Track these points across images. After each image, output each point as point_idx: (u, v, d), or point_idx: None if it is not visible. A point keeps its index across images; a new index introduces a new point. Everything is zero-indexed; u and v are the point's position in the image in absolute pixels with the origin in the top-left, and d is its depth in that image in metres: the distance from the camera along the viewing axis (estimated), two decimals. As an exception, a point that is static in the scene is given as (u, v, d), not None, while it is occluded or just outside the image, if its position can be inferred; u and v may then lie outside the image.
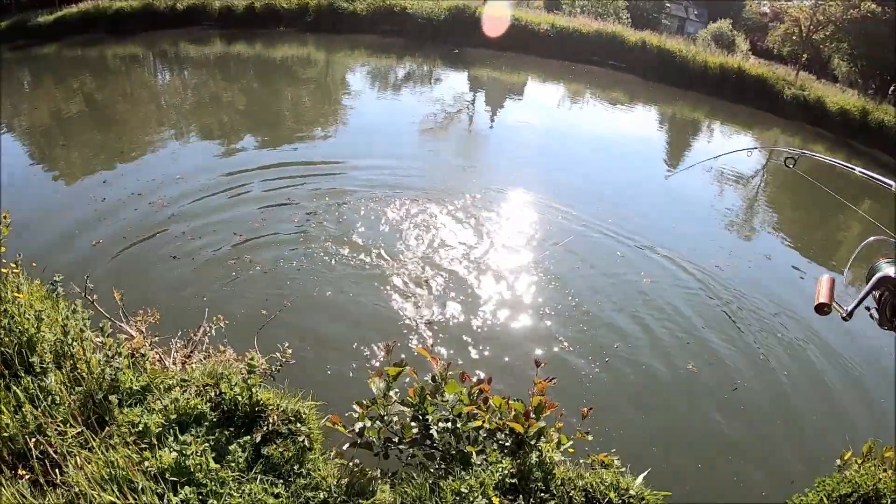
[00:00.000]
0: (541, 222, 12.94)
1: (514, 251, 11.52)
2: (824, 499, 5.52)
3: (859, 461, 5.88)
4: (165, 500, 4.35)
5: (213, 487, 4.57)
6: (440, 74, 28.26)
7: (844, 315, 3.17)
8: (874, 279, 3.22)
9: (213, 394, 5.17)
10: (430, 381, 5.20)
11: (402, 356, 5.64)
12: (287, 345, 5.72)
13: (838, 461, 6.00)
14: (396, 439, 5.06)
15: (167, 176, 13.55)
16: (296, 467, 4.81)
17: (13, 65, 21.23)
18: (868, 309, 3.31)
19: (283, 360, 5.64)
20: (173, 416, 4.91)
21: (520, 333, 8.98)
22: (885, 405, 8.68)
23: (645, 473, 5.19)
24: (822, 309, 3.14)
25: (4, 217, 6.55)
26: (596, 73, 30.73)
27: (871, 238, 3.75)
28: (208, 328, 6.28)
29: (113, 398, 4.93)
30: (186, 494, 4.35)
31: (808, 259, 13.56)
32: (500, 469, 4.78)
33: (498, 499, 4.60)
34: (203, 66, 25.88)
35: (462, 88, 25.69)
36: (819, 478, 5.79)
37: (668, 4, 58.53)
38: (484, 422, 5.02)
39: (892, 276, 3.17)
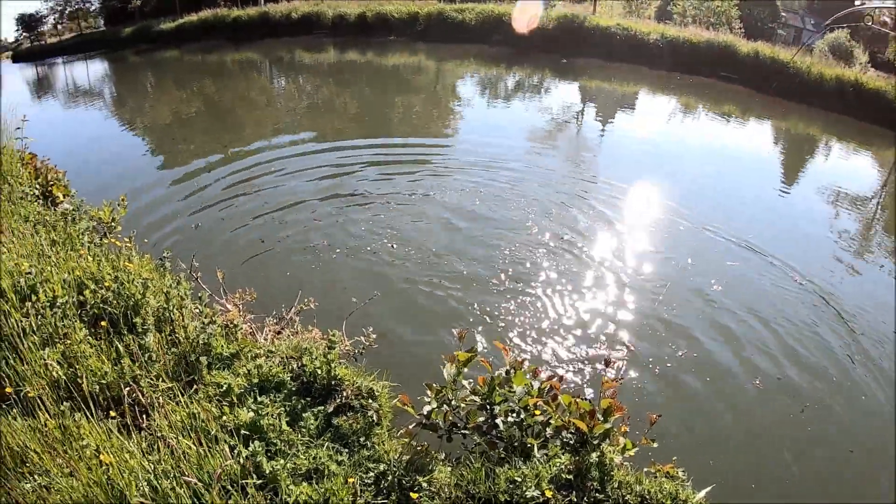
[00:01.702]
0: (655, 227, 12.27)
1: (621, 257, 10.91)
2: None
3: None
4: (237, 452, 4.31)
5: (282, 447, 4.52)
6: (550, 84, 27.01)
7: None
8: None
9: (295, 366, 5.18)
10: (501, 374, 5.04)
11: (480, 344, 5.44)
12: (371, 329, 5.66)
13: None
14: (461, 424, 4.89)
15: (277, 171, 13.83)
16: (362, 439, 4.73)
17: (137, 68, 22.14)
18: None
19: (367, 343, 5.60)
20: (255, 381, 4.93)
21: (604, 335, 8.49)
22: None
23: (708, 489, 4.83)
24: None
25: (122, 200, 6.81)
26: (707, 85, 28.38)
27: None
28: (300, 308, 6.30)
29: (203, 359, 4.97)
30: (255, 448, 4.29)
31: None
32: (557, 463, 4.57)
33: (551, 492, 4.37)
34: (317, 72, 26.04)
35: (572, 99, 24.66)
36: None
37: (784, 14, 52.96)
38: (550, 418, 4.82)
39: None
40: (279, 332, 6.00)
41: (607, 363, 5.09)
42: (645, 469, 4.92)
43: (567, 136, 19.45)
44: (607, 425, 4.74)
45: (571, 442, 4.81)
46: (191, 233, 10.41)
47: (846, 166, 19.91)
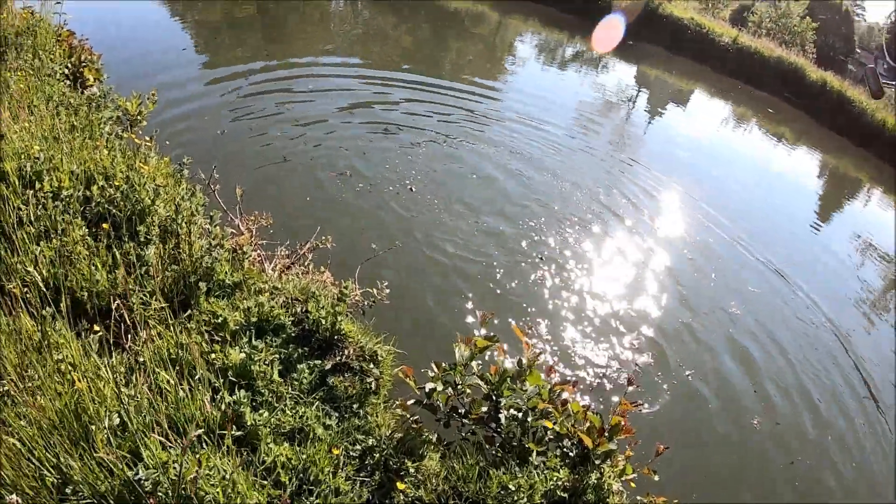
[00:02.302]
0: (682, 227, 11.87)
1: (648, 250, 10.48)
2: None
3: None
4: (220, 396, 3.88)
5: (269, 398, 4.10)
6: (609, 62, 25.63)
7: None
8: None
9: (299, 309, 4.72)
10: (514, 366, 4.58)
11: (496, 325, 4.96)
12: (385, 284, 5.17)
13: None
14: (462, 411, 4.45)
15: (316, 90, 13.06)
16: (355, 406, 4.31)
17: None
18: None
19: (378, 297, 5.11)
20: (254, 320, 4.47)
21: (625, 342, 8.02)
22: None
23: None
24: (877, 96, 3.19)
25: (153, 94, 6.26)
26: (767, 101, 26.89)
27: None
28: (315, 245, 5.80)
29: (203, 285, 4.50)
30: (240, 397, 3.86)
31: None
32: (554, 478, 4.13)
33: (544, 507, 3.96)
34: (378, 1, 24.85)
35: (628, 81, 23.62)
36: None
37: (859, 51, 50.91)
38: (555, 423, 4.36)
39: None
40: (289, 267, 5.52)
41: (630, 382, 4.58)
42: (638, 497, 4.50)
43: (614, 117, 18.74)
44: (612, 446, 4.30)
45: (571, 454, 4.37)
46: (216, 138, 9.79)
47: (884, 218, 19.09)
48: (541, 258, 8.85)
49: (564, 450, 4.40)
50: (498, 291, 7.94)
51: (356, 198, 9.04)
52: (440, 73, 16.86)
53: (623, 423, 4.38)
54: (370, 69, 15.71)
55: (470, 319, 7.19)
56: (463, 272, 8.05)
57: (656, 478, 4.44)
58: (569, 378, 4.64)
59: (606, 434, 4.33)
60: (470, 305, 7.40)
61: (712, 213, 12.64)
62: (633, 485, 4.49)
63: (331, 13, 21.95)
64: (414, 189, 9.62)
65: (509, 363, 4.69)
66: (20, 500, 2.95)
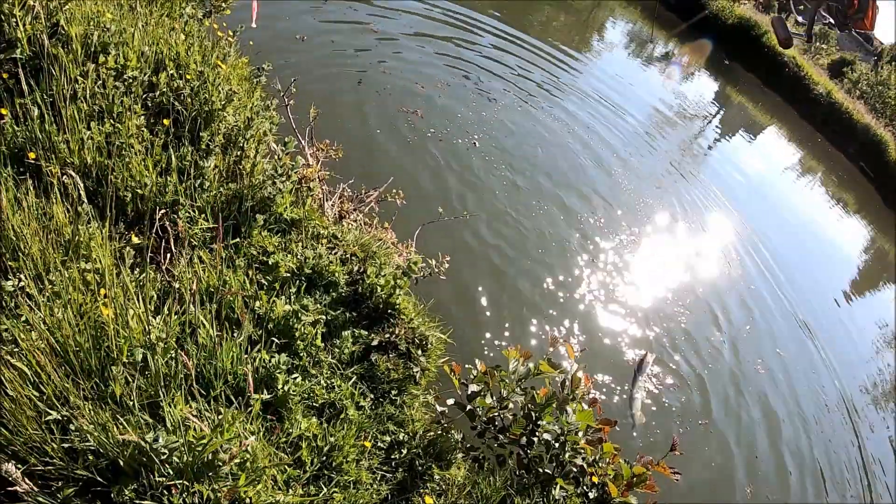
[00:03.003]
0: (728, 252, 11.47)
1: (694, 269, 10.12)
2: None
3: None
4: (256, 350, 3.35)
5: (307, 363, 3.58)
6: (697, 73, 24.25)
7: (806, 39, 3.56)
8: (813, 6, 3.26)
9: (355, 268, 4.13)
10: (560, 388, 4.06)
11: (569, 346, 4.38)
12: (448, 258, 4.58)
13: None
14: (499, 425, 3.94)
15: (400, 22, 11.84)
16: (393, 392, 3.81)
17: None
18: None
19: (437, 269, 4.53)
20: (307, 272, 3.86)
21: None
22: None
23: None
24: (786, 44, 3.37)
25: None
26: (840, 164, 25.41)
27: None
28: (383, 196, 5.17)
29: (260, 217, 3.91)
30: (279, 361, 3.33)
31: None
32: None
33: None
34: None
35: (708, 97, 22.31)
36: None
37: None
38: (585, 461, 3.86)
39: None
40: (349, 212, 4.91)
41: (673, 447, 4.09)
42: None
43: (687, 126, 17.78)
44: (633, 501, 3.83)
45: (591, 495, 3.89)
46: (295, 43, 8.91)
47: None
48: (592, 259, 8.26)
49: (585, 488, 3.93)
50: (545, 286, 7.31)
51: (426, 144, 8.29)
52: (526, 29, 15.74)
53: (649, 476, 3.91)
54: (459, 5, 14.69)
55: (520, 316, 6.57)
56: (520, 265, 7.40)
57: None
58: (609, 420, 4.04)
59: (632, 486, 3.86)
60: (524, 310, 6.72)
61: (759, 248, 12.40)
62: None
63: None
64: (478, 145, 8.94)
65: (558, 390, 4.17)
66: (17, 468, 2.45)
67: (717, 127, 19.92)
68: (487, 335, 5.61)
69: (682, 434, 6.87)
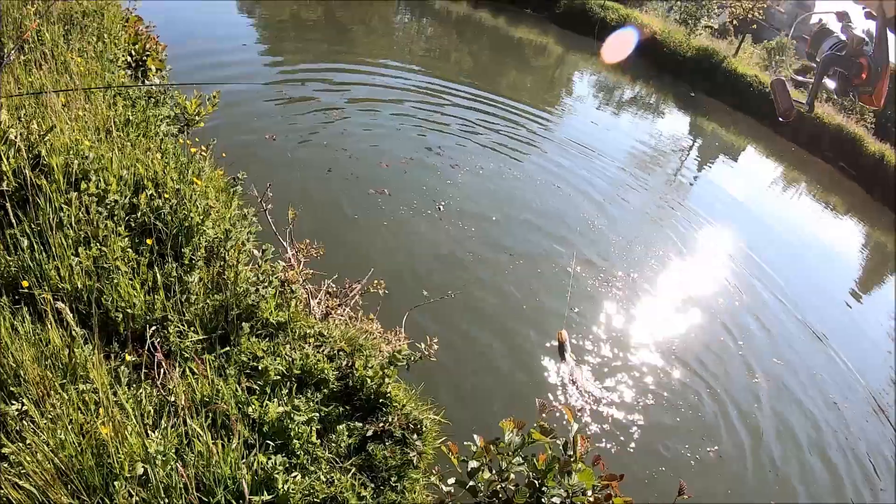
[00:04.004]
0: (728, 273, 11.98)
1: (693, 292, 10.53)
2: None
3: None
4: (252, 455, 3.53)
5: (305, 461, 3.75)
6: (666, 109, 25.42)
7: (806, 109, 3.13)
8: (822, 63, 3.02)
9: (344, 363, 4.35)
10: (561, 449, 4.22)
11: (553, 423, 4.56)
12: (436, 340, 4.80)
13: None
14: (504, 497, 4.07)
15: (371, 102, 12.84)
16: (392, 479, 3.97)
17: None
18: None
19: (427, 353, 4.73)
20: (297, 372, 4.08)
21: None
22: None
23: None
24: (787, 115, 3.04)
25: (215, 96, 5.90)
26: (820, 169, 26.07)
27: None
28: (365, 289, 5.42)
29: (246, 325, 4.15)
30: (276, 463, 3.51)
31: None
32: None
33: None
34: (443, 20, 24.50)
35: (682, 131, 23.39)
36: None
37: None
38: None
39: (833, 54, 3.01)
40: (335, 308, 5.15)
41: (681, 491, 4.21)
42: None
43: (667, 162, 18.54)
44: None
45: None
46: (270, 145, 9.48)
47: None
48: (577, 311, 8.52)
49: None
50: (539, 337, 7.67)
51: (401, 224, 8.75)
52: (499, 91, 16.87)
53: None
54: (427, 83, 15.51)
55: (515, 382, 6.86)
56: (508, 329, 7.70)
57: None
58: (614, 477, 4.18)
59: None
60: (518, 374, 7.04)
61: (757, 263, 12.84)
62: None
63: (395, 28, 21.86)
64: (442, 208, 9.47)
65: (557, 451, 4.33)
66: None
67: (696, 158, 20.74)
68: (492, 407, 5.82)
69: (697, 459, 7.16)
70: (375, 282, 5.28)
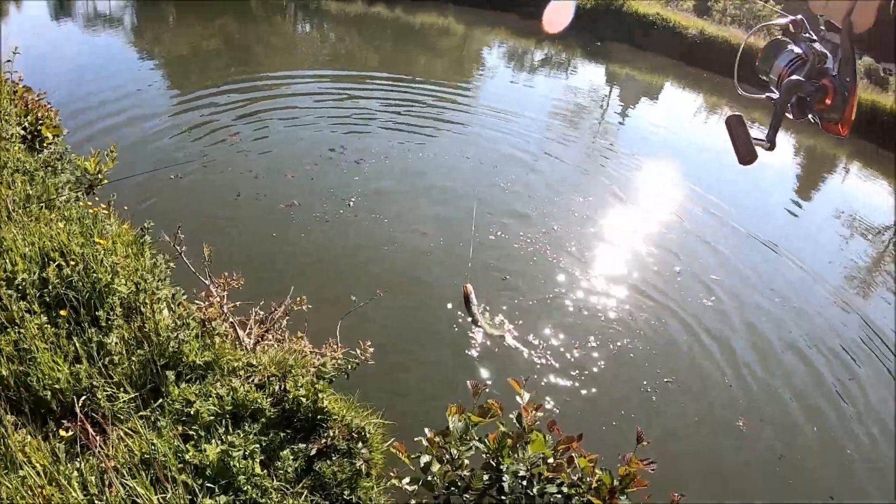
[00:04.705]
0: (673, 205, 12.57)
1: (645, 229, 11.09)
2: None
3: None
4: (199, 501, 3.63)
5: (254, 495, 3.83)
6: (578, 65, 25.77)
7: (768, 146, 2.59)
8: (784, 89, 2.55)
9: (277, 387, 4.44)
10: (513, 421, 4.30)
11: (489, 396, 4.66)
12: (369, 343, 4.88)
13: None
14: (462, 485, 4.17)
15: (284, 119, 12.88)
16: (346, 493, 4.04)
17: (160, 2, 20.78)
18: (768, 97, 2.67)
19: (363, 358, 4.81)
20: (228, 408, 4.17)
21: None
22: None
23: None
24: (748, 162, 2.52)
25: (112, 150, 5.92)
26: (734, 89, 26.71)
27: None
28: (290, 308, 5.48)
29: (171, 374, 4.22)
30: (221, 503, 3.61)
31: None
32: (572, 551, 3.89)
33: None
34: (341, 22, 24.44)
35: (598, 82, 23.68)
36: None
37: (822, 28, 51.62)
38: (563, 485, 4.09)
39: (797, 80, 2.53)
40: (264, 334, 5.22)
41: (639, 439, 4.29)
42: None
43: (589, 113, 19.19)
44: (624, 502, 4.03)
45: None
46: (177, 183, 9.49)
47: (864, 190, 19.71)
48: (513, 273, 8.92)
49: (572, 506, 4.15)
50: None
51: (317, 232, 8.91)
52: (411, 89, 17.01)
53: (634, 474, 4.12)
54: (333, 86, 15.82)
55: (461, 365, 7.07)
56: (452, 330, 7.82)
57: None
58: (572, 438, 4.26)
59: (617, 493, 4.07)
60: (450, 355, 7.24)
61: (696, 191, 13.45)
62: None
63: (297, 40, 21.96)
64: (352, 204, 9.68)
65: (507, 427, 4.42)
66: None
67: (617, 103, 21.35)
68: (438, 397, 6.04)
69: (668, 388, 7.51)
70: (298, 299, 5.35)
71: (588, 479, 4.25)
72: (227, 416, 4.24)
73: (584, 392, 7.16)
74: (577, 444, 4.30)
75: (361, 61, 19.37)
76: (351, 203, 9.61)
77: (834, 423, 7.90)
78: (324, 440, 4.27)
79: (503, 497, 4.16)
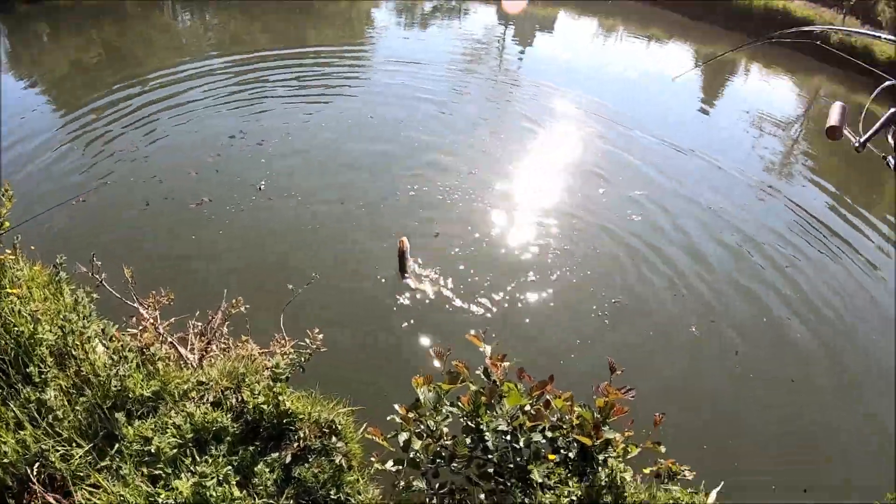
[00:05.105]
0: (586, 128, 13.03)
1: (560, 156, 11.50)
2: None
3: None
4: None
5: (238, 517, 3.72)
6: (469, 7, 25.74)
7: (857, 145, 2.89)
8: (887, 114, 2.90)
9: (234, 400, 4.29)
10: (482, 377, 4.21)
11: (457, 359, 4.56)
12: (317, 330, 4.71)
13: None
14: (446, 454, 4.08)
15: (178, 117, 12.21)
16: (332, 492, 3.96)
17: (30, 18, 19.40)
18: (884, 157, 3.01)
19: (314, 347, 4.64)
20: (189, 435, 3.98)
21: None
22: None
23: (718, 488, 4.50)
24: (833, 133, 2.88)
25: (6, 190, 5.48)
26: (630, 8, 27.29)
27: (888, 82, 3.16)
28: (227, 313, 5.24)
29: (120, 415, 4.00)
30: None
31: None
32: (565, 493, 3.83)
33: (565, 530, 3.69)
34: (223, 6, 22.82)
35: (492, 21, 23.87)
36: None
37: None
38: (545, 429, 4.04)
39: None
40: (207, 346, 5.00)
41: (612, 369, 4.23)
42: (648, 469, 4.34)
43: (488, 53, 19.63)
44: (609, 434, 4.01)
45: (571, 455, 4.06)
46: (82, 207, 8.87)
47: (766, 89, 20.70)
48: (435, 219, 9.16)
49: (563, 452, 4.10)
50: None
51: (233, 225, 8.61)
52: (299, 51, 17.03)
53: (613, 403, 4.08)
54: (225, 71, 15.14)
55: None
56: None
57: (663, 449, 4.19)
58: (546, 381, 4.19)
59: (601, 425, 4.03)
60: (403, 317, 7.22)
61: (607, 108, 14.15)
62: (633, 450, 4.25)
63: (179, 32, 20.78)
64: (263, 188, 9.41)
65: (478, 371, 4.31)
66: None
67: (514, 39, 21.85)
68: (406, 369, 5.84)
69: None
70: (234, 301, 5.12)
71: (568, 417, 4.22)
72: (190, 444, 4.07)
73: (537, 331, 7.24)
74: (551, 385, 4.24)
75: (250, 42, 18.63)
76: (262, 187, 9.33)
77: (782, 311, 8.18)
78: (296, 444, 4.13)
79: (490, 456, 4.10)
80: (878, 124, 2.89)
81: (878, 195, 12.42)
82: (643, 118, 13.70)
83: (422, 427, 4.12)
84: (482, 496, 4.09)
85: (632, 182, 10.57)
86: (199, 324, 5.24)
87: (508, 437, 4.06)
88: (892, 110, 2.87)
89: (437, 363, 4.16)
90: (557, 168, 10.87)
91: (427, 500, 4.12)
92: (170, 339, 4.88)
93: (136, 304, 5.09)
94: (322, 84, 13.95)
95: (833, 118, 2.88)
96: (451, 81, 15.07)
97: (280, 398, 4.20)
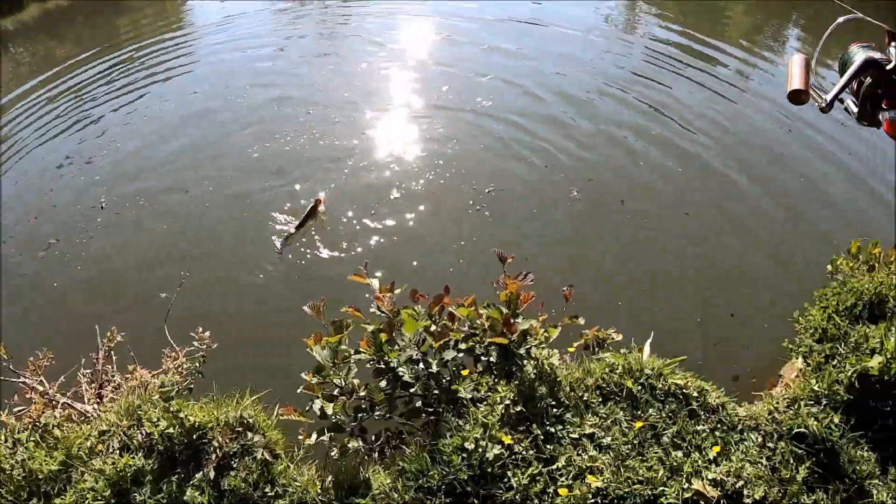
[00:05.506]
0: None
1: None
2: (832, 314, 4.53)
3: (850, 264, 4.99)
4: None
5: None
6: None
7: (823, 105, 2.45)
8: (858, 63, 2.42)
9: (140, 437, 4.00)
10: (379, 314, 4.00)
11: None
12: (201, 329, 4.47)
13: (829, 267, 5.09)
14: (366, 405, 3.90)
15: None
16: (267, 489, 3.75)
17: None
18: (842, 101, 2.51)
19: (204, 347, 4.40)
20: (107, 492, 3.75)
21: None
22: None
23: (650, 341, 4.34)
24: (797, 97, 2.40)
25: None
26: None
27: (842, 18, 2.74)
28: (107, 349, 4.93)
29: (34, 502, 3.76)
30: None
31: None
32: (499, 399, 3.69)
33: (510, 437, 3.55)
34: (23, 33, 20.33)
35: None
36: (818, 290, 4.90)
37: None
38: (458, 343, 3.85)
39: (878, 58, 2.42)
40: (100, 390, 4.72)
41: (502, 259, 4.02)
42: (575, 345, 4.37)
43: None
44: (524, 324, 3.84)
45: (493, 359, 3.91)
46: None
47: None
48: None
49: (484, 359, 3.95)
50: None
51: (91, 256, 7.88)
52: (116, 48, 15.44)
53: (517, 293, 3.90)
54: (35, 100, 13.23)
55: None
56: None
57: (582, 321, 4.04)
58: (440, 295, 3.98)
59: (511, 319, 3.85)
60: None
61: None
62: (554, 331, 4.19)
63: None
64: (104, 206, 8.60)
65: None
66: None
67: None
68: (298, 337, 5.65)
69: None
70: (109, 335, 4.82)
71: (480, 322, 4.05)
72: (112, 501, 3.84)
73: (422, 246, 7.04)
74: (448, 297, 4.05)
75: (59, 58, 16.72)
76: (103, 205, 8.58)
77: (653, 151, 7.97)
78: (213, 455, 3.92)
79: (412, 389, 3.92)
80: (846, 76, 2.47)
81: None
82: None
83: (331, 388, 3.93)
84: (419, 433, 3.95)
85: (487, 66, 10.52)
86: (88, 371, 4.94)
87: (422, 365, 3.88)
88: (864, 57, 2.44)
89: (318, 319, 3.95)
90: (403, 74, 10.79)
91: (367, 456, 3.97)
92: (62, 400, 4.59)
93: (19, 380, 4.75)
94: (142, 76, 12.89)
95: (795, 80, 2.45)
96: (278, 29, 14.64)
97: (181, 416, 3.96)
